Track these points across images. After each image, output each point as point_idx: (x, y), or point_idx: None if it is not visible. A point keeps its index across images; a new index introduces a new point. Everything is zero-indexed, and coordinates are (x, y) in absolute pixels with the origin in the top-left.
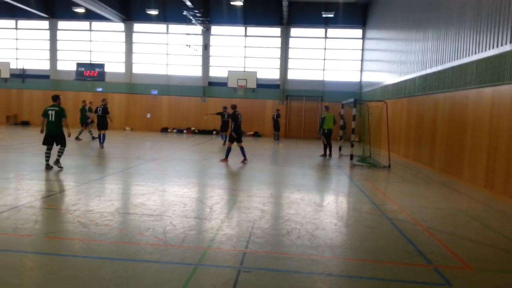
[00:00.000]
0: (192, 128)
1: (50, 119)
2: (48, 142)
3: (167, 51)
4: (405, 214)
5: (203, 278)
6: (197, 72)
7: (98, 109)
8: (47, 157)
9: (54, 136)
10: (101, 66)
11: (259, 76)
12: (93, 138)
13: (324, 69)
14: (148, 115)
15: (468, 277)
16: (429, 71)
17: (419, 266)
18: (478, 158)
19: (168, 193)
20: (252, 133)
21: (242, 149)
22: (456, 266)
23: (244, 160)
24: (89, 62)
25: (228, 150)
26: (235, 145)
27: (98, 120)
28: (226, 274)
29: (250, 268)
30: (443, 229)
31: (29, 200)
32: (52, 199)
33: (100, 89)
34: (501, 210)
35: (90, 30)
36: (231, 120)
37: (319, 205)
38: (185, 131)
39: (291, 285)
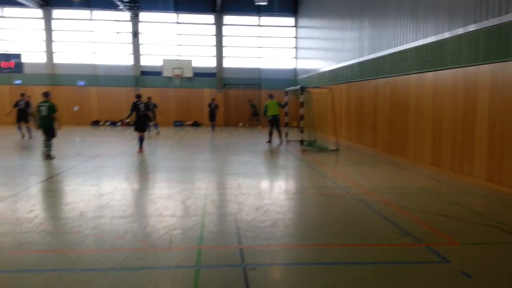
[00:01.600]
0: (127, 120)
1: (42, 113)
2: (44, 133)
3: (92, 39)
4: (374, 196)
5: (209, 281)
6: (128, 61)
7: (20, 103)
8: (47, 145)
9: (47, 129)
10: (18, 56)
11: (195, 64)
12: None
13: (259, 57)
14: (76, 108)
15: (460, 252)
16: (366, 57)
17: (411, 246)
18: (423, 138)
19: (129, 191)
20: (191, 122)
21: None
22: (444, 243)
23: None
24: (3, 52)
25: (140, 140)
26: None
27: (19, 113)
28: (232, 274)
29: (253, 264)
30: (415, 208)
31: None
32: (2, 205)
33: (19, 82)
34: (454, 185)
35: (2, 17)
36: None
37: (289, 192)
38: (119, 123)
39: (304, 279)
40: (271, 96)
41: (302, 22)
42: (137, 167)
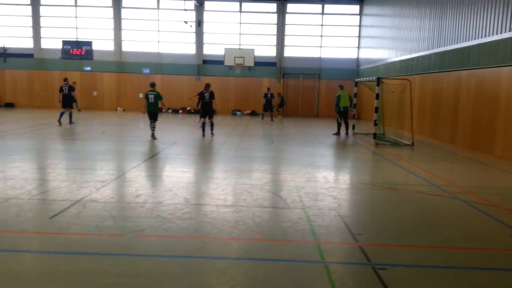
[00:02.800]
0: (188, 108)
1: (150, 101)
2: (151, 117)
3: (158, 27)
4: (474, 196)
5: (342, 278)
6: (191, 49)
7: (64, 88)
8: (152, 128)
9: (153, 114)
10: (89, 44)
11: (255, 53)
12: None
13: (321, 46)
14: (141, 95)
15: None
16: (448, 48)
17: None
18: None
19: (221, 180)
20: (249, 112)
21: (211, 124)
22: None
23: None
24: (75, 39)
25: (202, 125)
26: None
27: (64, 99)
28: (363, 273)
29: (381, 264)
30: None
31: (85, 193)
32: (108, 189)
33: (88, 68)
34: None
35: (76, 5)
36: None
37: (383, 188)
38: (180, 111)
39: (441, 284)
40: (341, 87)
41: (369, 9)
42: (216, 155)
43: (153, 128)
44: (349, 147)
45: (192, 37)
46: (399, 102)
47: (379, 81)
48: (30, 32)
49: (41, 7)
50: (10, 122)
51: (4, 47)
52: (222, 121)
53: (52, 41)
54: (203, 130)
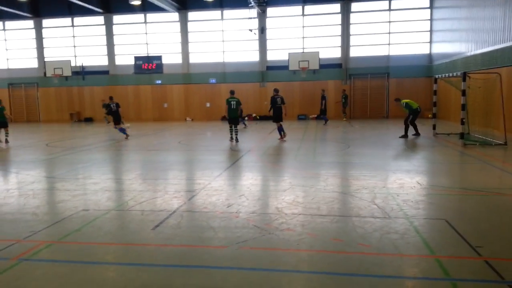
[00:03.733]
0: (253, 115)
1: (232, 107)
2: (231, 122)
3: (222, 38)
4: None
5: None
6: (254, 57)
7: (112, 106)
8: (231, 132)
9: (234, 119)
10: (159, 58)
11: (320, 56)
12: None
13: (389, 44)
14: (208, 104)
15: None
16: None
17: None
18: None
19: (308, 187)
20: (315, 116)
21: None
22: None
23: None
24: (146, 55)
25: (279, 129)
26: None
27: (114, 116)
28: None
29: None
30: None
31: (179, 203)
32: (199, 199)
33: (159, 82)
34: None
35: (146, 22)
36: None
37: (488, 193)
38: (246, 118)
39: None
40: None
41: (441, 2)
42: (295, 161)
43: (236, 133)
44: (434, 149)
45: (256, 45)
46: (485, 98)
47: (465, 76)
48: (105, 50)
49: (114, 26)
50: (92, 136)
51: (82, 65)
52: (290, 126)
53: (125, 58)
54: (280, 133)
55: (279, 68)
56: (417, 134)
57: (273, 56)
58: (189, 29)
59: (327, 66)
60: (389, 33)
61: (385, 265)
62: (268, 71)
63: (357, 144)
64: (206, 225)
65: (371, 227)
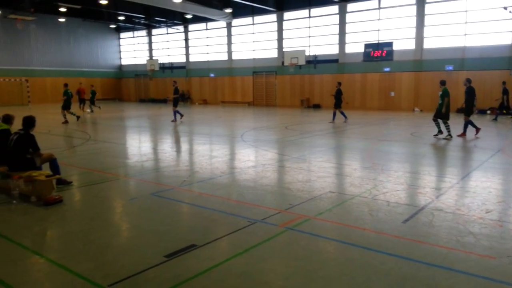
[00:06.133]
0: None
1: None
2: (443, 117)
3: (465, 19)
4: None
5: None
6: (505, 40)
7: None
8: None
9: (446, 114)
10: (389, 44)
11: None
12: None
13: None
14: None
15: None
16: None
17: None
18: None
19: None
20: None
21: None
22: None
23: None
24: (376, 42)
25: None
26: None
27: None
28: None
29: None
30: None
31: (426, 200)
32: (449, 198)
33: (387, 69)
34: None
35: (379, 8)
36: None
37: None
38: (488, 111)
39: None
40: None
41: None
42: None
43: (447, 128)
44: None
45: (508, 25)
46: None
47: None
48: (336, 39)
49: (347, 14)
50: (321, 122)
51: (315, 55)
52: None
53: (354, 46)
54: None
55: None
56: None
57: None
58: (426, 12)
59: None
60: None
61: None
62: None
63: None
64: (464, 229)
65: None
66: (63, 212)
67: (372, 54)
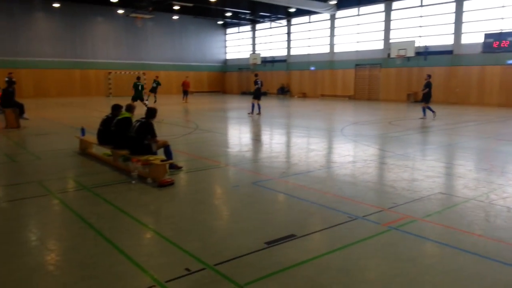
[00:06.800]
0: None
1: None
2: None
3: None
4: None
5: None
6: None
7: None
8: None
9: None
10: None
11: None
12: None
13: None
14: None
15: None
16: None
17: None
18: None
19: None
20: None
21: None
22: None
23: None
24: (499, 31)
25: None
26: None
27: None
28: None
29: None
30: None
31: None
32: None
33: (511, 62)
34: None
35: None
36: None
37: None
38: None
39: None
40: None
41: None
42: None
43: None
44: None
45: None
46: None
47: None
48: (451, 29)
49: (464, 2)
50: (426, 118)
51: (426, 46)
52: None
53: (472, 36)
54: None
55: None
56: None
57: None
58: None
59: None
60: None
61: None
62: None
63: None
64: None
65: None
66: (174, 194)
67: (493, 45)
